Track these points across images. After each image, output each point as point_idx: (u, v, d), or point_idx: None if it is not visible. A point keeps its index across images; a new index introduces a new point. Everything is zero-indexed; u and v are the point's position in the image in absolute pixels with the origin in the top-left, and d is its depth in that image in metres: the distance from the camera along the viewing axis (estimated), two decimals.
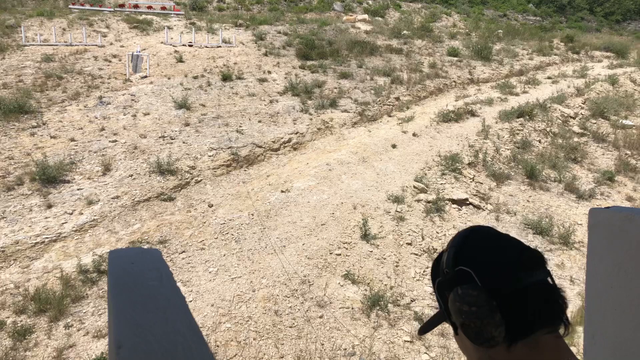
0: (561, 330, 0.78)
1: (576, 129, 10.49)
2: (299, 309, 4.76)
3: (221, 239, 5.99)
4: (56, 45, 12.38)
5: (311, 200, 6.82)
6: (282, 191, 7.11)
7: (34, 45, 12.18)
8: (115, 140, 8.12)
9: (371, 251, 5.70)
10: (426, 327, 0.94)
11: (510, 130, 9.78)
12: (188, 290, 5.04)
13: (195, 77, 11.18)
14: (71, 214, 6.27)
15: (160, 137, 8.38)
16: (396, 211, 6.51)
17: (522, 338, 0.76)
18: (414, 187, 7.18)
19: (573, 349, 0.78)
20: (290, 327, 4.54)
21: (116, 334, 0.50)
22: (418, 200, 6.89)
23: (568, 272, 5.95)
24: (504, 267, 0.79)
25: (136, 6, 17.28)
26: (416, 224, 6.33)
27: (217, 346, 4.26)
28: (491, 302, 0.76)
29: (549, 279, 0.81)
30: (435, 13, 24.40)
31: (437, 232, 6.31)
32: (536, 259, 0.81)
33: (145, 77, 11.03)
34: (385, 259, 5.61)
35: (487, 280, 0.78)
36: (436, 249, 5.89)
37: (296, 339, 4.40)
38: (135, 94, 10.06)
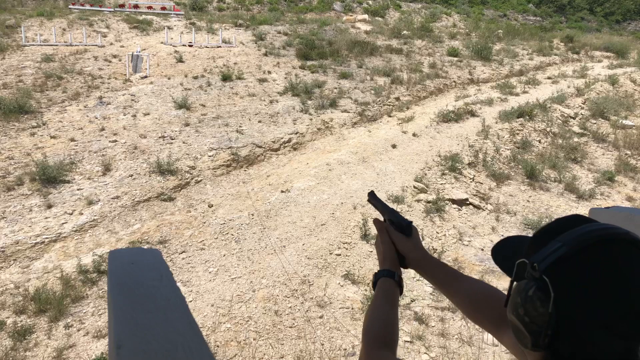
0: None
1: (576, 129, 10.49)
2: (299, 309, 4.76)
3: (221, 239, 5.99)
4: (56, 45, 12.38)
5: (311, 200, 6.82)
6: (282, 191, 7.11)
7: (34, 45, 12.18)
8: (115, 140, 8.12)
9: (371, 251, 5.70)
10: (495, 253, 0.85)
11: (510, 130, 9.78)
12: (188, 290, 5.04)
13: (195, 77, 11.18)
14: (71, 214, 6.27)
15: (160, 137, 8.38)
16: None
17: None
18: (414, 187, 7.18)
19: None
20: (290, 327, 4.54)
21: (116, 334, 0.50)
22: (418, 200, 6.89)
23: None
24: (591, 321, 0.62)
25: (136, 6, 17.28)
26: (416, 224, 6.33)
27: (217, 346, 4.26)
28: (547, 329, 0.65)
29: None
30: (435, 13, 24.39)
31: (437, 232, 6.31)
32: None
33: (145, 77, 11.03)
34: None
35: (562, 315, 0.64)
36: (436, 249, 5.89)
37: (296, 339, 4.40)
38: (135, 94, 10.06)
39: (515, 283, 0.73)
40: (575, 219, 0.72)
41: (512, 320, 0.72)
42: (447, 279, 1.11)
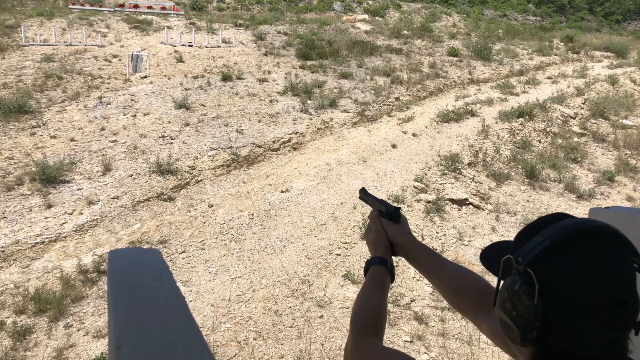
0: None
1: (576, 129, 10.49)
2: (298, 309, 4.76)
3: (221, 239, 5.99)
4: (56, 45, 12.38)
5: (311, 200, 6.82)
6: (282, 191, 7.11)
7: (33, 45, 12.17)
8: (115, 140, 8.12)
9: None
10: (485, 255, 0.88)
11: (510, 130, 9.77)
12: (188, 290, 5.04)
13: (195, 77, 11.18)
14: (71, 214, 6.27)
15: (160, 137, 8.38)
16: None
17: None
18: (414, 187, 7.18)
19: None
20: (290, 327, 4.54)
21: (116, 334, 0.50)
22: (418, 200, 6.89)
23: None
24: (576, 311, 0.63)
25: (136, 6, 17.28)
26: (416, 224, 6.33)
27: (217, 346, 4.26)
28: (535, 322, 0.65)
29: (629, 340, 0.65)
30: (435, 13, 24.39)
31: (437, 232, 6.31)
32: (624, 321, 0.63)
33: (145, 77, 11.03)
34: None
35: (548, 306, 0.65)
36: (436, 249, 5.89)
37: (296, 339, 4.40)
38: (135, 94, 10.06)
39: (502, 281, 0.75)
40: (558, 216, 0.73)
41: (501, 316, 0.73)
42: (431, 265, 1.11)
